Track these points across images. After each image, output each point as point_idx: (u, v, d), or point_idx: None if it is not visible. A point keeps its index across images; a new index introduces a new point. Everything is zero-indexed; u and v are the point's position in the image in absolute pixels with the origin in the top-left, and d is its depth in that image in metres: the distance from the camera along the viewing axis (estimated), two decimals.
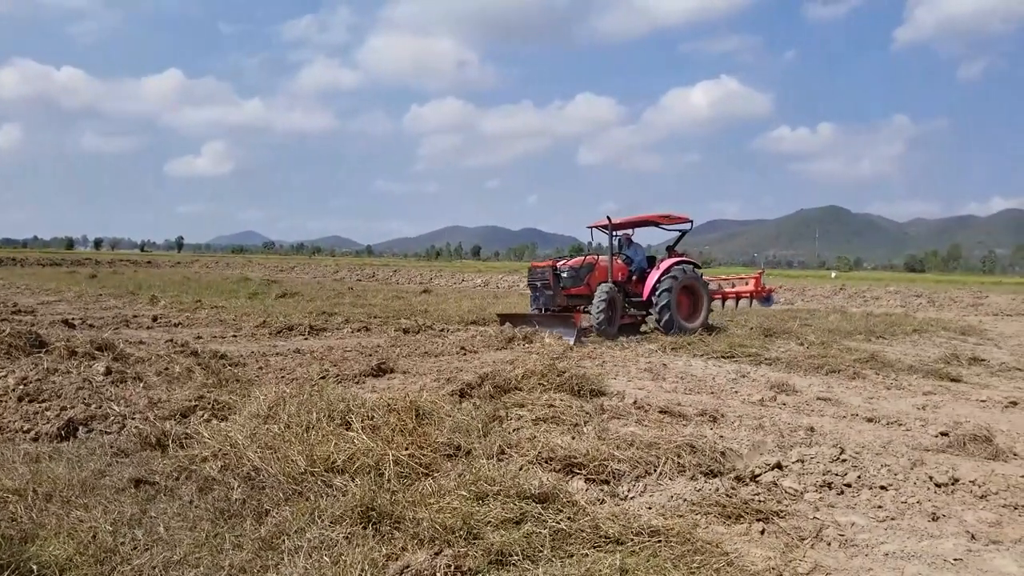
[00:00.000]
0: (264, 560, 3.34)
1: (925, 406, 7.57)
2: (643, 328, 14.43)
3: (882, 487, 4.63)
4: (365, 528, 3.58)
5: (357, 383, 8.10)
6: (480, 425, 5.43)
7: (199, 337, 11.71)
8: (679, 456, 4.90)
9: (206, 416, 5.76)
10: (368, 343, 11.56)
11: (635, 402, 6.76)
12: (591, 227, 14.45)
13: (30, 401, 5.76)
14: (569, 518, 3.73)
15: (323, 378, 7.96)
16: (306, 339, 12.15)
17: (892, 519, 4.19)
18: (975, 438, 5.73)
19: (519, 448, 5.03)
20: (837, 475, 4.74)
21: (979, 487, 4.63)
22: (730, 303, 18.19)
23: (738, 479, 4.67)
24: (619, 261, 14.30)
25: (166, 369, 6.98)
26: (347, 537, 3.48)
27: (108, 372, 6.49)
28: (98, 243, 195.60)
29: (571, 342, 11.68)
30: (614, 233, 14.41)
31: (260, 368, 8.71)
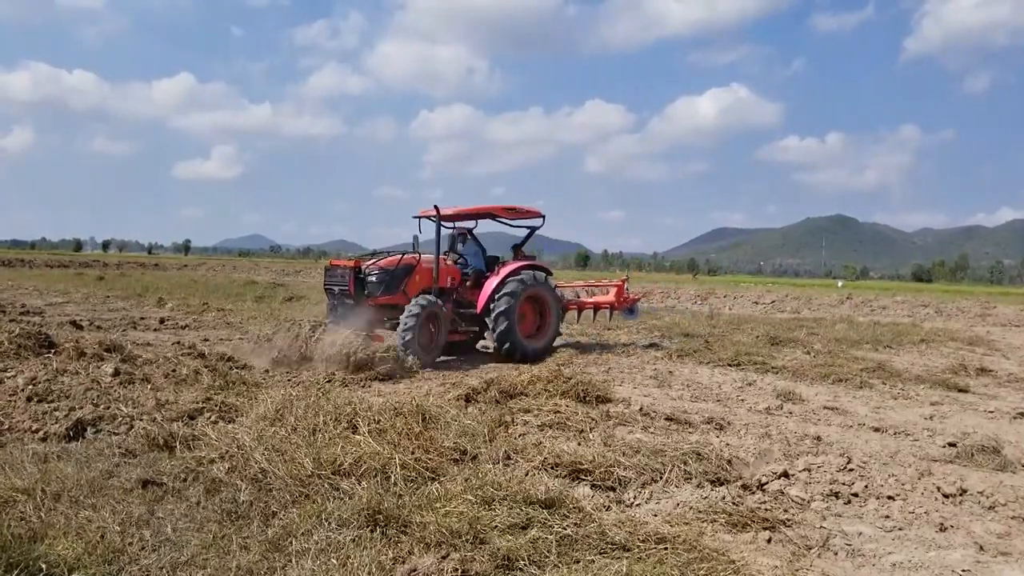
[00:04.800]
0: (271, 562, 3.35)
1: (933, 416, 7.54)
2: (479, 346, 12.11)
3: (889, 497, 4.61)
4: (372, 531, 3.59)
5: (363, 386, 8.13)
6: (486, 430, 5.44)
7: (206, 339, 11.74)
8: (685, 463, 4.89)
9: (213, 418, 5.78)
10: None
11: (641, 409, 6.76)
12: (418, 217, 11.52)
13: (39, 401, 5.79)
14: (575, 524, 3.73)
15: (329, 381, 7.99)
16: None
17: (900, 529, 4.18)
18: (983, 449, 5.70)
19: (525, 453, 5.03)
20: (844, 484, 4.73)
21: (987, 498, 4.61)
22: (589, 315, 14.48)
23: (744, 487, 4.66)
24: (449, 263, 11.62)
25: (173, 371, 7.00)
26: (354, 540, 3.49)
27: (116, 373, 6.52)
28: (106, 245, 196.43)
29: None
30: (453, 227, 12.18)
31: (267, 371, 8.74)
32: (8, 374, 6.26)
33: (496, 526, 3.63)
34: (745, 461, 5.33)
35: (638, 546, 3.56)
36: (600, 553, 3.49)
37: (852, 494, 4.63)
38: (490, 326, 11.08)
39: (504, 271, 11.43)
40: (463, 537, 3.49)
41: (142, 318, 15.11)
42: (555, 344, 12.07)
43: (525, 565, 3.33)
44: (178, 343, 10.35)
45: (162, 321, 14.49)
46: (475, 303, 11.35)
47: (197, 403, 6.02)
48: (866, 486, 4.72)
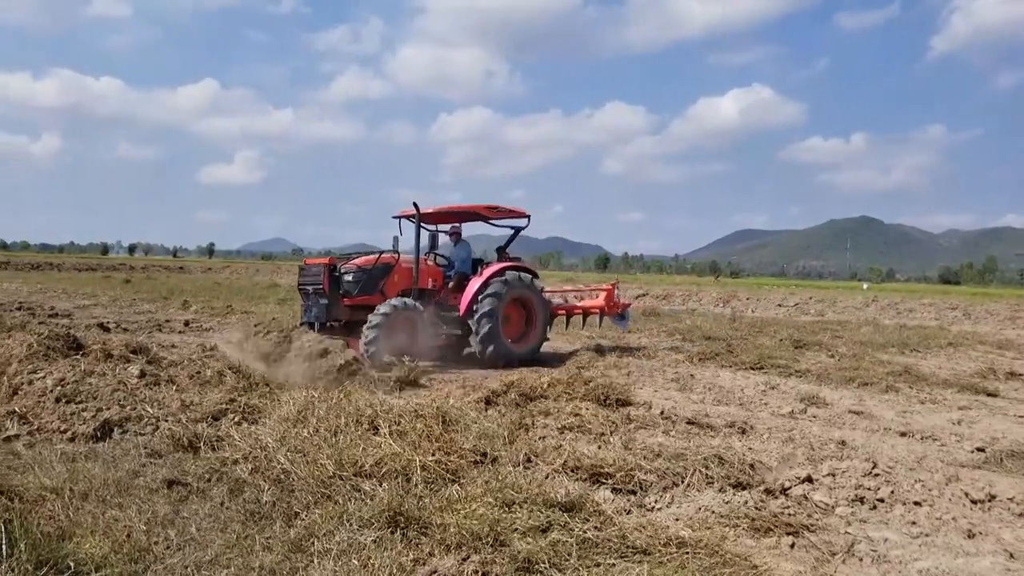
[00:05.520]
0: (294, 562, 3.38)
1: (961, 421, 7.42)
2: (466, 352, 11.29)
3: (916, 503, 4.54)
4: (393, 532, 3.61)
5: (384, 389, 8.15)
6: (506, 432, 5.44)
7: (230, 342, 11.85)
8: (707, 467, 4.85)
9: (237, 419, 5.83)
10: None
11: (662, 412, 6.72)
12: (398, 217, 11.29)
13: (67, 402, 5.87)
14: (596, 527, 3.72)
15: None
16: None
17: (926, 535, 4.12)
18: (1013, 454, 5.61)
19: (545, 456, 5.02)
20: (869, 490, 4.67)
21: (1017, 504, 4.52)
22: (578, 320, 13.79)
23: (767, 492, 4.62)
24: (430, 263, 11.33)
25: (198, 372, 7.07)
26: (375, 541, 3.51)
27: (142, 375, 6.60)
28: (132, 249, 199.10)
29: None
30: (436, 228, 11.69)
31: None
32: (37, 375, 6.37)
33: (516, 528, 3.63)
34: (768, 465, 5.28)
35: (659, 550, 3.54)
36: (621, 557, 3.47)
37: (878, 499, 4.57)
38: (473, 330, 10.63)
39: (487, 272, 11.02)
40: (483, 539, 3.50)
41: (167, 320, 15.32)
42: (572, 348, 12.04)
43: (545, 568, 3.32)
44: (202, 345, 10.46)
45: (187, 323, 14.68)
46: (458, 306, 10.90)
47: (221, 404, 6.08)
48: (892, 491, 4.66)
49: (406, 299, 10.14)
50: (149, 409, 5.84)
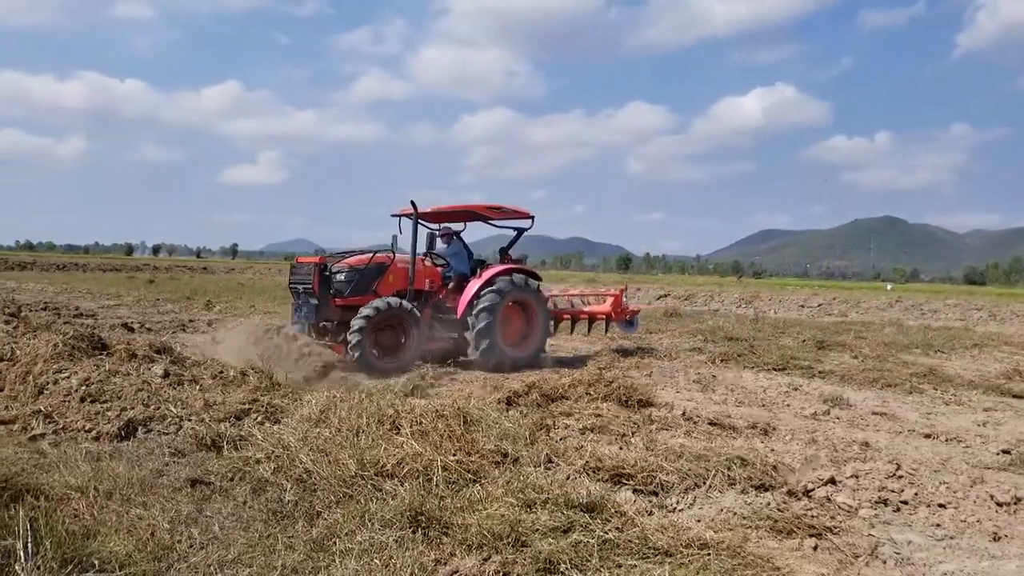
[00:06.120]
0: (316, 561, 3.40)
1: (986, 423, 7.31)
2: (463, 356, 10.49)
3: (941, 505, 4.49)
4: (414, 532, 3.62)
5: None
6: (527, 433, 5.44)
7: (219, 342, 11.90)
8: (729, 469, 4.82)
9: (259, 419, 5.87)
10: None
11: (684, 413, 6.68)
12: (397, 215, 11.00)
13: (92, 401, 5.95)
14: (617, 528, 3.70)
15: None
16: None
17: (951, 538, 4.06)
18: None
19: (566, 457, 5.01)
20: (893, 492, 4.61)
21: None
22: (584, 326, 13.64)
23: (790, 493, 4.58)
24: (427, 264, 10.99)
25: (221, 372, 7.13)
26: (397, 541, 3.52)
27: (166, 375, 6.67)
28: (156, 249, 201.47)
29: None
30: (439, 227, 11.38)
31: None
32: (63, 375, 6.45)
33: (537, 529, 3.62)
34: (791, 467, 5.24)
35: (681, 551, 3.52)
36: (642, 558, 3.45)
37: (901, 501, 4.52)
38: (470, 333, 10.25)
39: (487, 274, 10.66)
40: (504, 540, 3.49)
41: (191, 320, 15.47)
42: (594, 349, 12.00)
43: (567, 569, 3.31)
44: (213, 338, 10.47)
45: (210, 323, 14.81)
46: (456, 308, 10.54)
47: (244, 404, 6.13)
48: (916, 494, 4.60)
49: (394, 299, 9.82)
50: (173, 408, 5.90)
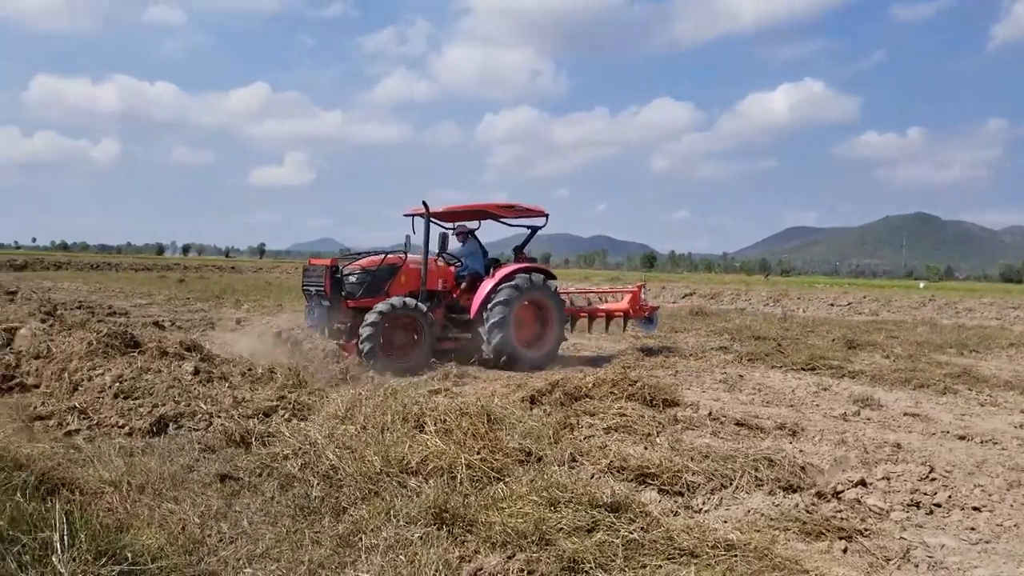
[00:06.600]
0: (342, 557, 3.43)
1: (1022, 424, 7.16)
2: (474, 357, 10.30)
3: (975, 508, 4.41)
4: (439, 529, 3.63)
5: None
6: (551, 432, 5.44)
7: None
8: (756, 469, 4.78)
9: (287, 416, 5.94)
10: None
11: (710, 413, 6.63)
12: (409, 215, 10.86)
13: (125, 398, 6.06)
14: (642, 528, 3.68)
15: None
16: None
17: (986, 542, 3.98)
18: None
19: (590, 456, 5.00)
20: (926, 494, 4.54)
21: None
22: (602, 324, 13.30)
23: (819, 495, 4.52)
24: (439, 263, 10.91)
25: (249, 370, 7.22)
26: (422, 537, 3.54)
27: (196, 372, 6.76)
28: (186, 249, 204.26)
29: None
30: (455, 226, 11.34)
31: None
32: (97, 372, 6.58)
33: (562, 528, 3.62)
34: (820, 468, 5.17)
35: (707, 553, 3.49)
36: (668, 559, 3.43)
37: (934, 504, 4.44)
38: (484, 333, 10.18)
39: (500, 274, 10.56)
40: (528, 538, 3.49)
41: (220, 319, 15.68)
42: (618, 348, 11.93)
43: (591, 568, 3.30)
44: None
45: (238, 322, 14.99)
46: (470, 307, 10.48)
47: (272, 401, 6.20)
48: (950, 496, 4.52)
49: (405, 299, 9.78)
50: (203, 405, 5.99)
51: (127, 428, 5.61)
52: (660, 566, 3.35)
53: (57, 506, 3.27)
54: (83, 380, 6.48)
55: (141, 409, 5.84)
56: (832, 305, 27.76)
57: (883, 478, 4.75)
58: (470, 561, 3.35)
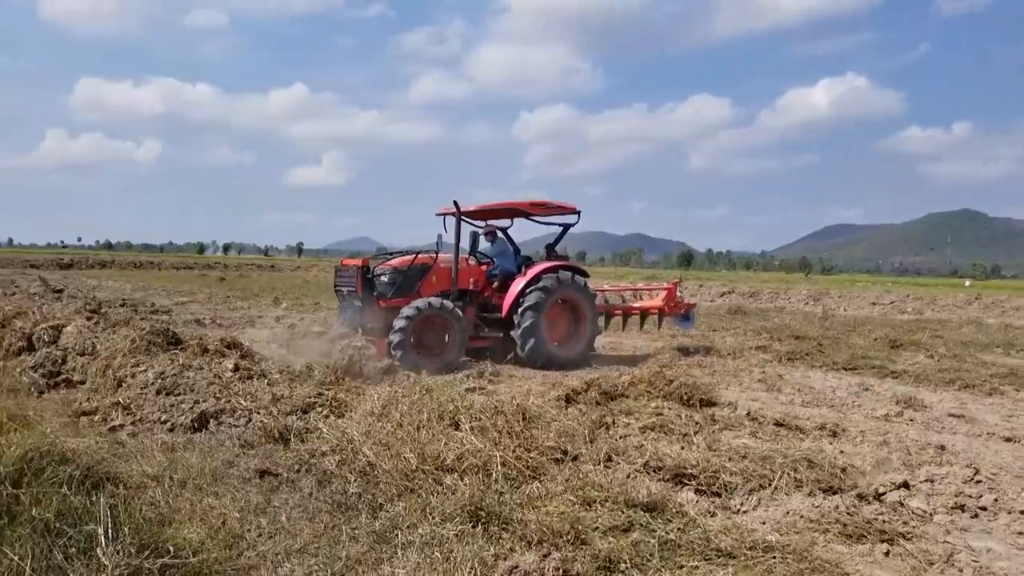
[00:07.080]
0: (378, 553, 3.46)
1: None
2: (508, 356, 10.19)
3: (1022, 512, 4.28)
4: (474, 527, 3.64)
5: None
6: (586, 431, 5.41)
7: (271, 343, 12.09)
8: (796, 470, 4.69)
9: (325, 412, 6.01)
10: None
11: (748, 413, 6.54)
12: (441, 214, 10.83)
13: (167, 394, 6.19)
14: (679, 529, 3.66)
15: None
16: None
17: None
18: None
19: (626, 456, 4.97)
20: (971, 497, 4.43)
21: None
22: (636, 321, 13.61)
23: (860, 497, 4.43)
24: (471, 263, 10.86)
25: (288, 367, 7.32)
26: (457, 535, 3.55)
27: (236, 369, 6.87)
28: (226, 248, 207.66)
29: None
30: (485, 224, 11.30)
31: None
32: (140, 368, 6.73)
33: (597, 527, 3.60)
34: (861, 470, 5.07)
35: (745, 554, 3.45)
36: (705, 559, 3.40)
37: (980, 507, 4.33)
38: (516, 337, 10.13)
39: (532, 272, 10.49)
40: (564, 537, 3.49)
41: (259, 316, 15.93)
42: (655, 347, 11.82)
43: (627, 568, 3.29)
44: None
45: (277, 319, 15.21)
46: (502, 306, 10.45)
47: (310, 398, 6.27)
48: (996, 499, 4.40)
49: (436, 299, 9.78)
50: (243, 402, 6.09)
51: (169, 424, 5.72)
52: (697, 567, 3.32)
53: (102, 500, 3.35)
54: (127, 376, 6.64)
55: (183, 405, 5.95)
56: (874, 304, 27.19)
57: (926, 480, 4.64)
58: (505, 559, 3.35)
